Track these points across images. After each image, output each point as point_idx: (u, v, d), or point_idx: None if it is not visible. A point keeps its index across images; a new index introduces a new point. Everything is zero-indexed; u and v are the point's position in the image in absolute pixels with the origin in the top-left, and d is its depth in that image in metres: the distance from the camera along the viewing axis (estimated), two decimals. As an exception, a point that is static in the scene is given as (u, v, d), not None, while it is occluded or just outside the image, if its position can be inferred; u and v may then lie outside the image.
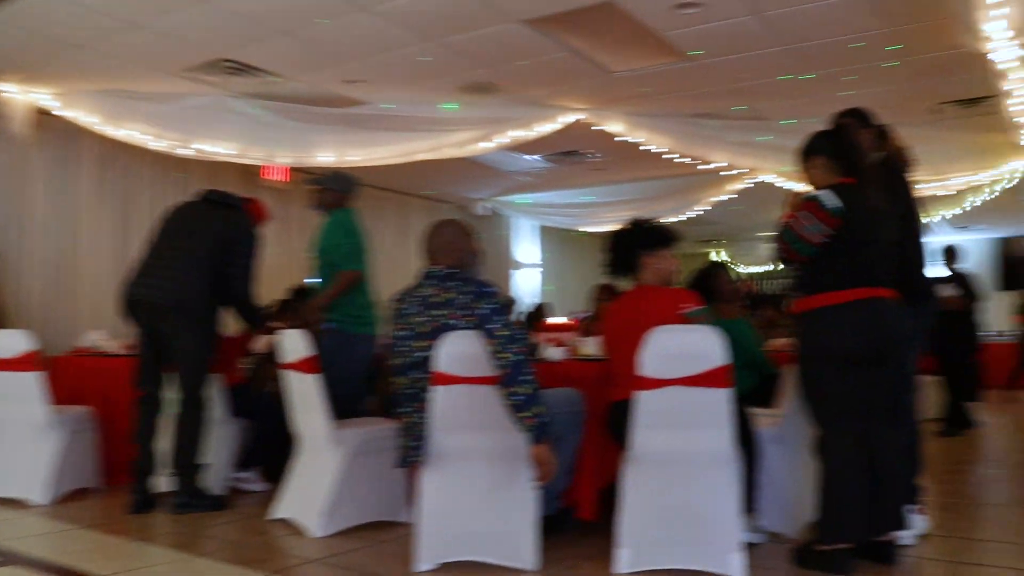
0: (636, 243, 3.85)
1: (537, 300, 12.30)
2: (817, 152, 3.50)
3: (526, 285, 13.38)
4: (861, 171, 3.44)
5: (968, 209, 10.77)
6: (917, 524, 3.63)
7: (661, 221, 4.07)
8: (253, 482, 4.99)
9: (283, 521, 4.11)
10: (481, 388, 3.30)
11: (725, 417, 3.23)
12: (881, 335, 3.30)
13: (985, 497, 4.93)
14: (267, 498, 4.49)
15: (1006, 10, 4.48)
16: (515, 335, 3.31)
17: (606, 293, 6.56)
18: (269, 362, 4.92)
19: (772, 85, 6.65)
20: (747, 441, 3.53)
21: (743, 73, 6.39)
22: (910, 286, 3.62)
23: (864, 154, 3.52)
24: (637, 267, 3.82)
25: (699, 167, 8.68)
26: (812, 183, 3.51)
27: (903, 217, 3.73)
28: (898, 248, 3.52)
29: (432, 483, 3.39)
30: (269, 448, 4.91)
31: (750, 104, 7.24)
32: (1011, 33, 4.81)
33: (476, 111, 7.12)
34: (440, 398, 3.33)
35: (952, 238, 11.72)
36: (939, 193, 9.12)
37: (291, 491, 4.17)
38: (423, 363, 3.38)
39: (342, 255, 4.77)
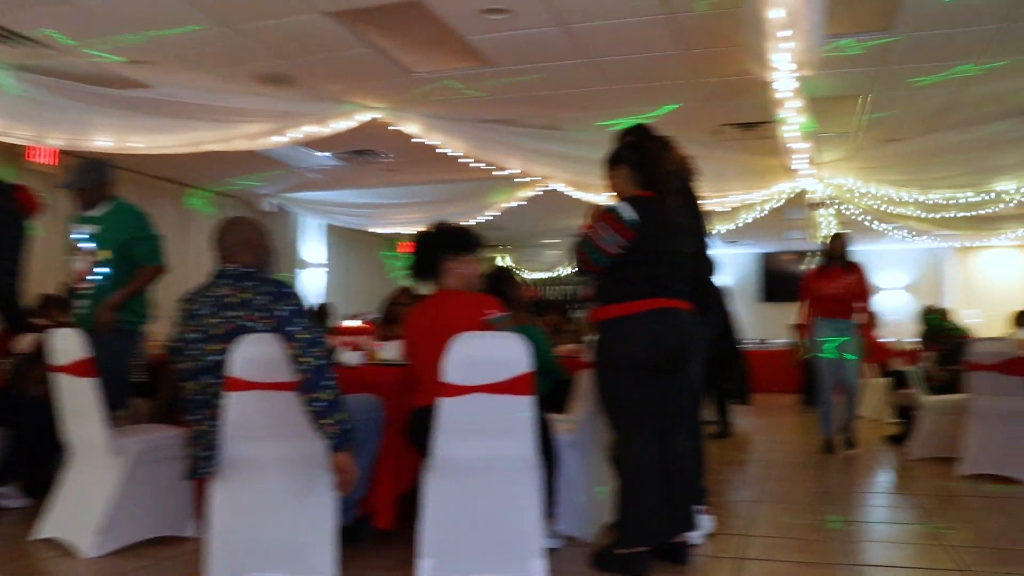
0: (439, 247, 3.77)
1: (321, 300, 12.03)
2: (621, 162, 3.58)
3: (311, 285, 13.05)
4: (661, 184, 3.55)
5: (740, 225, 11.48)
6: (704, 524, 3.81)
7: (465, 225, 4.03)
8: (12, 498, 4.51)
9: (49, 541, 3.73)
10: (279, 394, 3.15)
11: (528, 424, 3.25)
12: (675, 345, 3.44)
13: (757, 495, 5.25)
14: (30, 515, 4.04)
15: (792, 44, 4.82)
16: (316, 338, 3.19)
17: (406, 296, 6.47)
18: (34, 363, 4.49)
19: (569, 96, 6.82)
20: (547, 447, 3.57)
21: (543, 82, 6.50)
22: (700, 296, 3.78)
23: (665, 167, 3.63)
24: (439, 271, 3.76)
25: (494, 172, 8.77)
26: (614, 191, 3.60)
27: (695, 229, 3.90)
28: (692, 260, 3.67)
29: (223, 495, 3.19)
30: (32, 459, 4.47)
31: (547, 114, 7.38)
32: (794, 66, 5.17)
33: (269, 103, 6.84)
34: (234, 404, 3.15)
35: (723, 252, 12.51)
36: (717, 209, 9.70)
37: (60, 507, 3.79)
38: (216, 367, 3.19)
39: (145, 250, 4.46)
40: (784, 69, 5.19)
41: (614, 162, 3.61)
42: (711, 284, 4.10)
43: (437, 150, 7.98)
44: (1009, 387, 5.62)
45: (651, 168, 3.56)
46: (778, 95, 5.82)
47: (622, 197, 3.50)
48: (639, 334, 3.39)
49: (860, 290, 6.74)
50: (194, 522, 3.76)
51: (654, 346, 3.39)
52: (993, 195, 8.52)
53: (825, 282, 6.76)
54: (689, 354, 3.50)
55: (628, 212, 3.37)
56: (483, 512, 3.24)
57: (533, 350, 3.30)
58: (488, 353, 3.27)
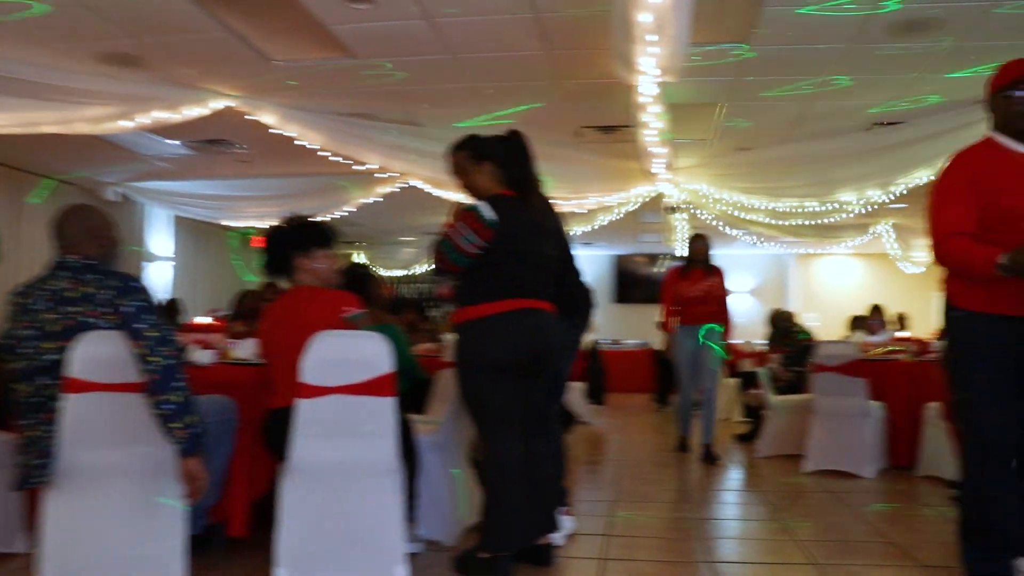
0: (290, 243, 3.60)
1: (169, 295, 11.52)
2: (487, 157, 3.51)
3: (158, 279, 12.47)
4: (526, 184, 3.51)
5: (596, 228, 11.62)
6: (566, 525, 3.81)
7: (319, 219, 3.87)
8: None
9: None
10: (123, 396, 2.95)
11: (390, 426, 3.15)
12: (537, 346, 3.40)
13: (615, 495, 5.30)
14: None
15: (658, 49, 4.88)
16: (165, 336, 3.00)
17: (271, 291, 6.22)
18: None
19: (432, 92, 6.73)
20: (407, 449, 3.48)
21: (406, 77, 6.39)
22: (565, 298, 3.77)
23: (531, 167, 3.58)
24: (293, 268, 3.59)
25: (353, 167, 8.58)
26: (479, 186, 3.52)
27: (557, 231, 3.88)
28: (556, 261, 3.65)
29: (60, 506, 2.94)
30: None
31: (409, 109, 7.27)
32: (659, 71, 5.25)
33: (116, 85, 6.44)
34: (73, 407, 2.92)
35: (578, 253, 12.66)
36: (575, 211, 9.79)
37: None
38: (52, 367, 2.96)
39: None
40: (649, 73, 5.26)
41: (479, 158, 3.53)
42: (581, 285, 4.10)
43: (294, 142, 7.73)
44: (850, 387, 5.90)
45: (518, 167, 3.52)
46: (641, 99, 5.90)
47: (484, 195, 3.44)
48: (500, 335, 3.33)
49: (720, 293, 6.73)
50: (24, 536, 3.49)
51: (516, 347, 3.34)
52: (836, 205, 8.94)
53: (686, 284, 6.72)
54: (551, 356, 3.47)
55: (488, 211, 3.31)
56: (342, 518, 3.12)
57: (393, 349, 3.22)
58: (348, 353, 3.17)
